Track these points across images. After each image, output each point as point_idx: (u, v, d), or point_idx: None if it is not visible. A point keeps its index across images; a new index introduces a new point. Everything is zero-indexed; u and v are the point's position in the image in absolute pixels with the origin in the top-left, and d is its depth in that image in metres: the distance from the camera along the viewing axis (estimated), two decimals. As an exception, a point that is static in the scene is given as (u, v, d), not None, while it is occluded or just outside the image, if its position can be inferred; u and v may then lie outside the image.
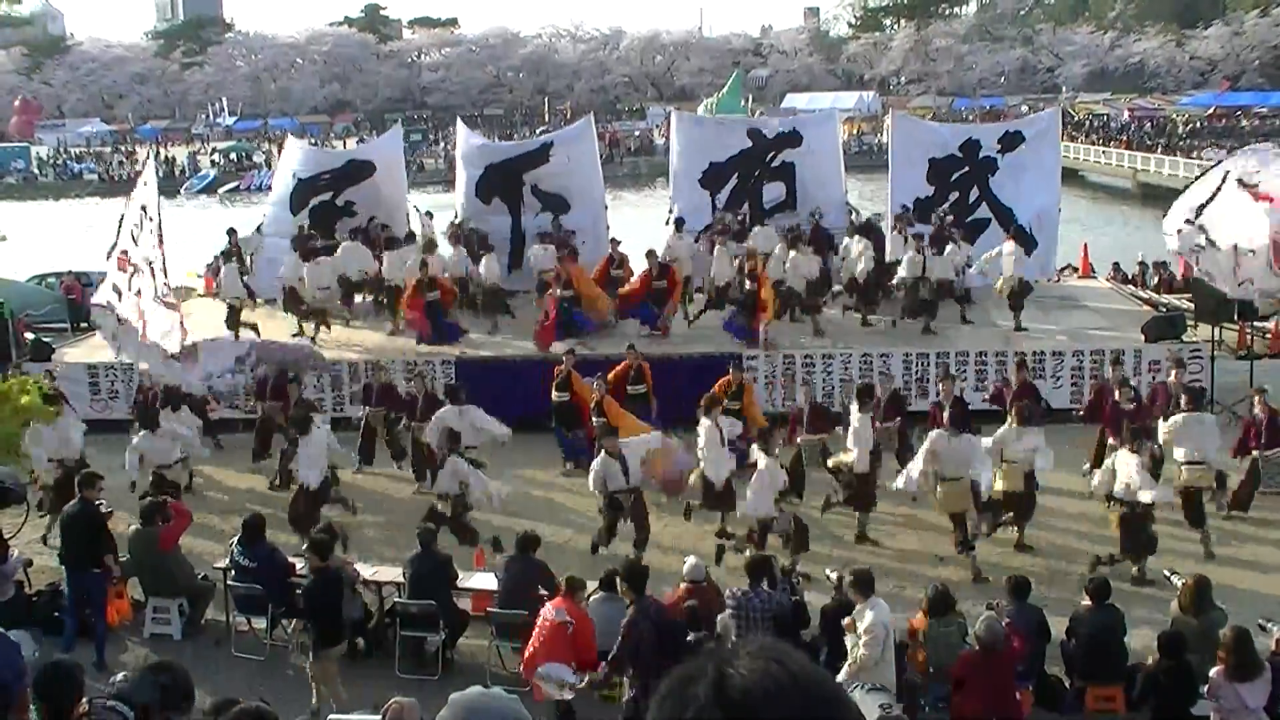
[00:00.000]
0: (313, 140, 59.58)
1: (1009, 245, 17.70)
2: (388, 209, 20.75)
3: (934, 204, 19.68)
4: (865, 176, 50.44)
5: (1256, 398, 13.15)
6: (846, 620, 8.46)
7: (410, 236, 20.08)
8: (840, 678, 8.03)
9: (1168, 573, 10.26)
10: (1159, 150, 54.99)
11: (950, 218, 19.03)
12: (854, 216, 20.87)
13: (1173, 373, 14.17)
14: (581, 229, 19.79)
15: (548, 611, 8.71)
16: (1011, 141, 20.10)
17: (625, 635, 8.41)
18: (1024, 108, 76.03)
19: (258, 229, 20.96)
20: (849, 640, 8.38)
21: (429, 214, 22.06)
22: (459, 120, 24.90)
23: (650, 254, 18.02)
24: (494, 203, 20.37)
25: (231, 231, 20.27)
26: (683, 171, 20.97)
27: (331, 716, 8.44)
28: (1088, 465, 13.33)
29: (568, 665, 8.63)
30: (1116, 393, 13.47)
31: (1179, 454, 12.27)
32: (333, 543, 10.18)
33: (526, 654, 8.49)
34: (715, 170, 20.49)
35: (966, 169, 19.93)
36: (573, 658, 8.64)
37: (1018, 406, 12.42)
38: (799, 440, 13.33)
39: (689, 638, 8.37)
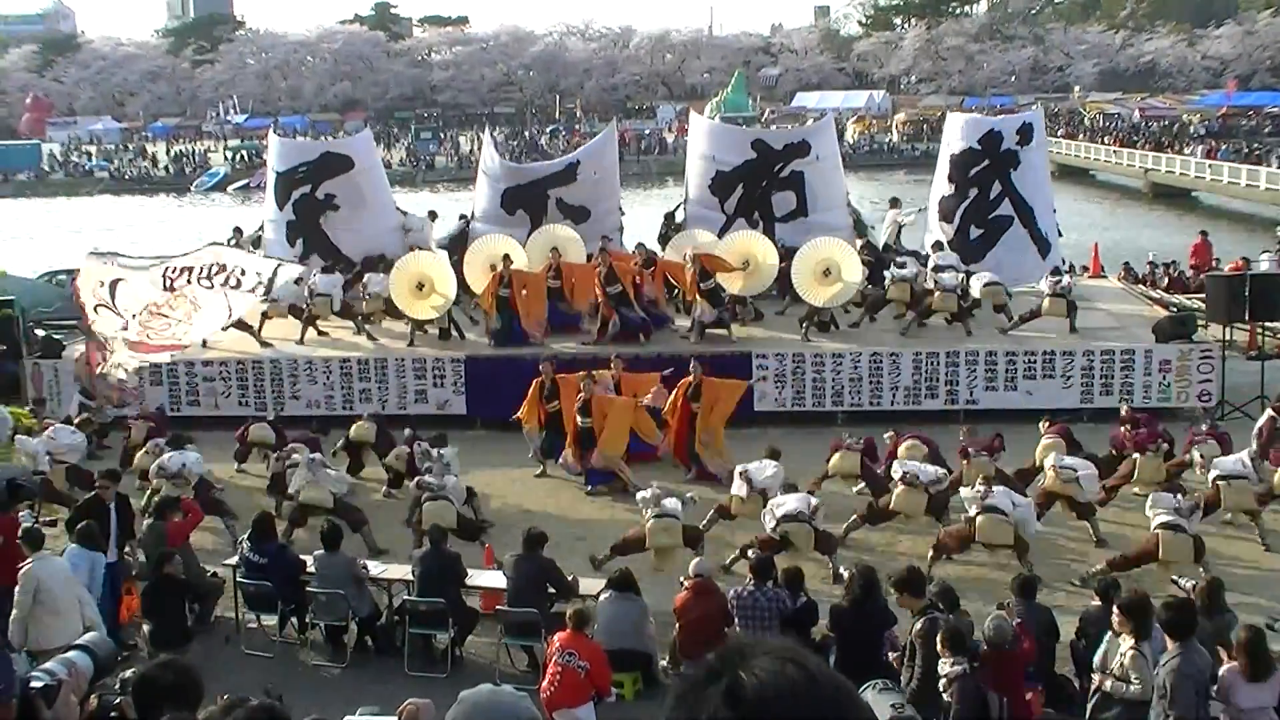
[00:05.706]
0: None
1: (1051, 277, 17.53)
2: (373, 209, 20.71)
3: (954, 203, 19.49)
4: (871, 177, 50.43)
5: None
6: None
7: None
8: None
9: (1175, 578, 10.18)
10: (1153, 146, 54.84)
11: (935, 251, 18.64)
12: (857, 217, 20.83)
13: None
14: (596, 237, 19.84)
15: (559, 655, 8.52)
16: (1028, 134, 19.74)
17: None
18: (1035, 107, 75.86)
19: (261, 227, 21.08)
20: None
21: (432, 214, 22.07)
22: (486, 135, 25.02)
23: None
24: (518, 214, 20.38)
25: (237, 231, 20.48)
26: (691, 174, 21.08)
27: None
28: None
29: (588, 703, 8.56)
30: None
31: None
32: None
33: (544, 695, 8.43)
34: (722, 178, 20.42)
35: (986, 163, 19.38)
36: (590, 695, 8.57)
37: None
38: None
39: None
